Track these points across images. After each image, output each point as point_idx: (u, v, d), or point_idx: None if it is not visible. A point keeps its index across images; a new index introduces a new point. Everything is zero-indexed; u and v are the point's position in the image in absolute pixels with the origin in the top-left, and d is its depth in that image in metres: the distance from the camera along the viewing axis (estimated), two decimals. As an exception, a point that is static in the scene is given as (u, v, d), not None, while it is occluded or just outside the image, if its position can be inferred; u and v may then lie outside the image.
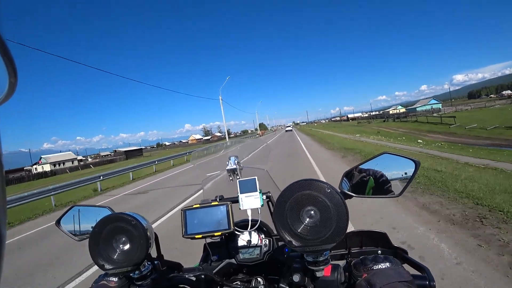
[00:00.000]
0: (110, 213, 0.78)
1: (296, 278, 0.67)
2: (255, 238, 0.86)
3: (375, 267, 0.62)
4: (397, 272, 0.57)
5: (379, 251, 0.76)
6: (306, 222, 0.60)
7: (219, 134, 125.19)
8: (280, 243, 0.87)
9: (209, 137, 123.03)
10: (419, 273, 0.64)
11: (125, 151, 72.09)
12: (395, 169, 0.68)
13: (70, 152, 74.01)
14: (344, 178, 0.71)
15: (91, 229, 0.70)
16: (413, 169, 0.66)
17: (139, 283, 0.71)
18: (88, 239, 0.70)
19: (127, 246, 0.68)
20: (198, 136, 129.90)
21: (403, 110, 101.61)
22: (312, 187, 0.60)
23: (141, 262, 0.68)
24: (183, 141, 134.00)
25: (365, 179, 0.69)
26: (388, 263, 0.62)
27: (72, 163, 68.55)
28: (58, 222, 0.88)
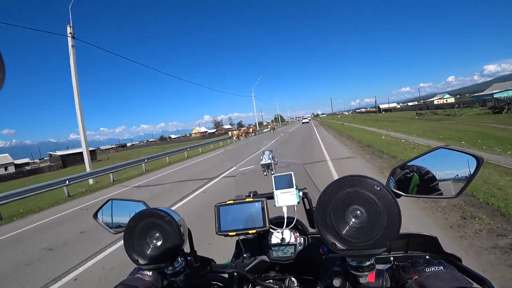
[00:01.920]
0: (144, 207, 0.82)
1: (336, 283, 0.64)
2: (289, 236, 0.86)
3: (428, 269, 0.58)
4: (454, 277, 0.52)
5: (427, 257, 0.69)
6: (351, 223, 0.57)
7: (228, 126, 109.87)
8: (315, 241, 0.87)
9: (214, 130, 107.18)
10: (476, 285, 0.58)
11: (62, 155, 51.30)
12: (451, 166, 0.63)
13: (6, 155, 58.67)
14: (391, 177, 0.67)
15: (125, 223, 0.74)
16: (474, 167, 0.60)
17: (172, 278, 0.74)
18: (123, 232, 0.73)
19: (160, 242, 0.71)
20: (203, 129, 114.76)
21: (451, 99, 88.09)
22: (359, 184, 0.57)
23: (174, 258, 0.71)
24: (189, 134, 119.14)
25: (408, 175, 0.66)
26: (442, 267, 0.58)
27: (6, 169, 52.18)
28: (95, 215, 0.93)
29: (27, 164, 55.64)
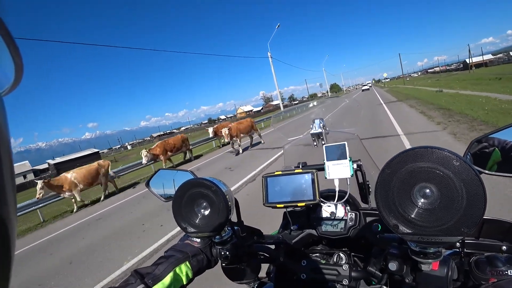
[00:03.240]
0: (192, 177, 0.85)
1: (392, 266, 0.59)
2: (340, 211, 0.84)
3: (510, 271, 0.52)
4: None
5: (504, 247, 0.65)
6: (420, 203, 0.50)
7: (275, 102, 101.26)
8: (369, 219, 0.83)
9: (260, 108, 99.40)
10: None
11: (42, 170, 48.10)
12: None
13: (25, 162, 55.61)
14: (469, 151, 0.62)
15: (174, 192, 0.77)
16: None
17: (220, 247, 0.78)
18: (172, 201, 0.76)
19: (207, 211, 0.73)
20: (248, 108, 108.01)
21: None
22: (432, 157, 0.49)
23: (221, 227, 0.72)
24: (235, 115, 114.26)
25: (487, 150, 0.60)
26: None
27: (25, 178, 47.82)
28: (147, 184, 1.01)
29: (46, 170, 49.36)
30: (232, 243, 0.78)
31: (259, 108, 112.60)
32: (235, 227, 0.80)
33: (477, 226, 0.54)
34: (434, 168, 0.48)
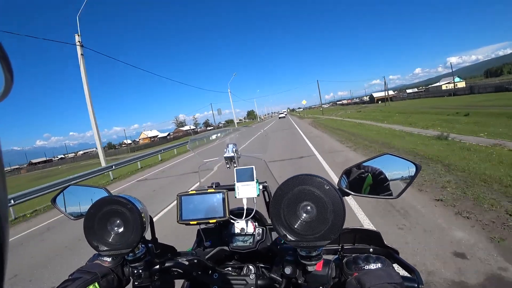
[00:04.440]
0: (106, 194, 0.86)
1: (288, 270, 0.73)
2: (249, 227, 0.94)
3: (366, 267, 0.68)
4: (387, 273, 0.62)
5: (371, 249, 0.84)
6: (302, 217, 0.64)
7: (186, 128, 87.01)
8: (274, 233, 0.97)
9: (166, 134, 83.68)
10: (409, 275, 0.71)
11: None
12: (395, 170, 0.73)
13: None
14: (343, 176, 0.76)
15: (86, 209, 0.77)
16: (414, 172, 0.70)
17: (133, 265, 0.80)
18: (83, 219, 0.77)
19: (121, 229, 0.74)
20: (153, 133, 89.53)
21: (461, 83, 78.94)
22: (311, 182, 0.64)
23: (135, 245, 0.74)
24: (138, 139, 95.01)
25: (363, 175, 0.74)
26: (379, 264, 0.69)
27: None
28: (53, 200, 0.96)
29: None
30: (146, 261, 0.80)
31: (166, 134, 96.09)
32: (149, 245, 0.84)
33: (345, 233, 0.85)
34: (313, 190, 0.63)
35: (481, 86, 41.13)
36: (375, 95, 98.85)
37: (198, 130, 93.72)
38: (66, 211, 0.94)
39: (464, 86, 61.45)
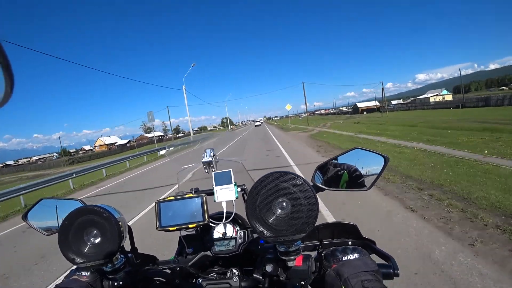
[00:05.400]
0: (81, 205, 0.84)
1: (269, 268, 0.75)
2: (230, 230, 0.96)
3: (344, 258, 0.70)
4: (364, 263, 0.65)
5: (350, 242, 0.86)
6: (278, 213, 0.67)
7: (150, 135, 77.68)
8: (255, 235, 0.97)
9: (126, 142, 73.33)
10: (385, 262, 0.74)
11: None
12: (365, 164, 0.77)
13: None
14: (317, 172, 0.79)
15: (59, 223, 0.77)
16: (383, 164, 0.74)
17: (112, 276, 0.78)
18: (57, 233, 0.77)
19: (98, 239, 0.73)
20: (112, 139, 78.51)
21: (449, 96, 77.75)
22: (284, 179, 0.67)
23: (113, 255, 0.74)
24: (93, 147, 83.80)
25: (339, 173, 0.78)
26: (356, 254, 0.70)
27: None
28: (25, 216, 0.92)
29: None
30: (126, 271, 0.79)
31: (126, 141, 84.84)
32: (129, 255, 0.84)
33: (324, 228, 0.87)
34: (287, 187, 0.65)
35: (492, 99, 35.82)
36: (360, 105, 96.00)
37: (170, 136, 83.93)
38: (39, 227, 0.91)
39: (452, 99, 62.27)
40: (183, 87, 31.31)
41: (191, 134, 33.59)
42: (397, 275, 0.69)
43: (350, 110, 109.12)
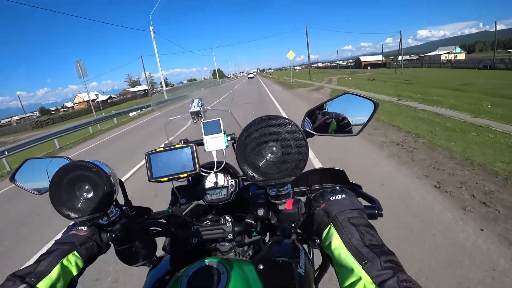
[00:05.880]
0: (68, 162, 0.82)
1: (260, 212, 0.77)
2: (221, 179, 0.98)
3: (332, 198, 0.72)
4: (351, 202, 0.68)
5: (338, 187, 0.85)
6: (268, 157, 0.66)
7: (134, 89, 70.59)
8: (246, 183, 1.01)
9: (107, 97, 67.14)
10: (370, 204, 0.78)
11: None
12: (355, 109, 0.77)
13: None
14: (307, 118, 0.80)
15: (49, 182, 0.76)
16: (372, 110, 0.74)
17: (109, 229, 0.81)
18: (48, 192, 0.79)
19: (91, 194, 0.74)
20: (92, 95, 70.43)
21: (461, 55, 68.20)
22: (274, 123, 0.66)
23: (107, 208, 0.76)
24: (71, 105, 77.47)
25: (328, 121, 0.79)
26: (344, 195, 0.72)
27: None
28: (12, 178, 0.93)
29: None
30: (121, 223, 0.81)
31: (107, 97, 76.58)
32: (123, 207, 0.86)
33: (312, 174, 0.91)
34: (276, 131, 0.64)
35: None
36: (363, 59, 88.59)
37: (157, 90, 75.68)
38: (28, 187, 0.92)
39: (464, 58, 57.89)
40: (151, 28, 24.28)
41: (164, 88, 24.97)
42: (381, 215, 0.72)
43: (351, 64, 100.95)
